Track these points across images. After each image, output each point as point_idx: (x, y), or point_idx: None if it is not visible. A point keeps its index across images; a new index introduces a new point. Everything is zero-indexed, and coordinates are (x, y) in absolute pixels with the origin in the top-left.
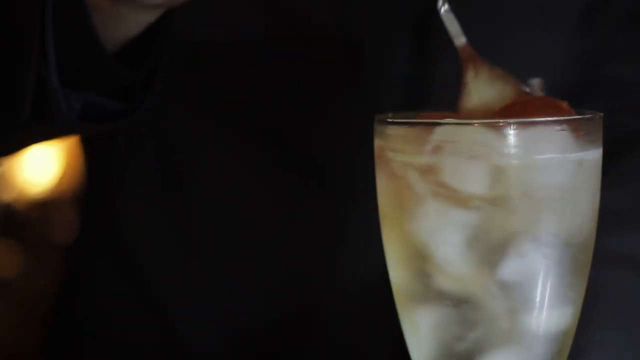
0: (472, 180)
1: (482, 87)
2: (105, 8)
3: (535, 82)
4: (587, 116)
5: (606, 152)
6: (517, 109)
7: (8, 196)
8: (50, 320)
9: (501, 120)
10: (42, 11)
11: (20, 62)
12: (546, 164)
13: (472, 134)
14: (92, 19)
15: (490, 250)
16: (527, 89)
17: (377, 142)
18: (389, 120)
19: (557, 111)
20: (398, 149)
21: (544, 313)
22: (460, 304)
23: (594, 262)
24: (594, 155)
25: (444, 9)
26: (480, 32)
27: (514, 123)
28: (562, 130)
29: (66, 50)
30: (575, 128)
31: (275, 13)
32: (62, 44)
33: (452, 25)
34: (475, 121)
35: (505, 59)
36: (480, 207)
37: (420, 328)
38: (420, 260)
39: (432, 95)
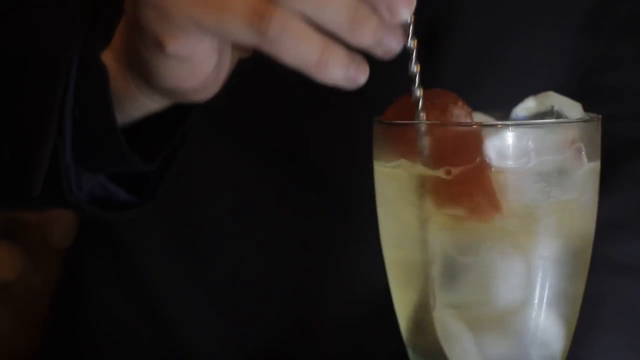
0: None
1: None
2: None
3: None
4: (586, 118)
5: (607, 159)
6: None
7: None
8: (48, 322)
9: (499, 123)
10: (64, 84)
11: (38, 135)
12: (542, 168)
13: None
14: (111, 96)
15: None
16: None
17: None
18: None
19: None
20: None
21: (542, 315)
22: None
23: (595, 269)
24: (593, 157)
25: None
26: (484, 37)
27: (512, 125)
28: (560, 133)
29: (82, 127)
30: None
31: None
32: (79, 121)
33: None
34: (473, 123)
35: (508, 64)
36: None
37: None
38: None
39: None
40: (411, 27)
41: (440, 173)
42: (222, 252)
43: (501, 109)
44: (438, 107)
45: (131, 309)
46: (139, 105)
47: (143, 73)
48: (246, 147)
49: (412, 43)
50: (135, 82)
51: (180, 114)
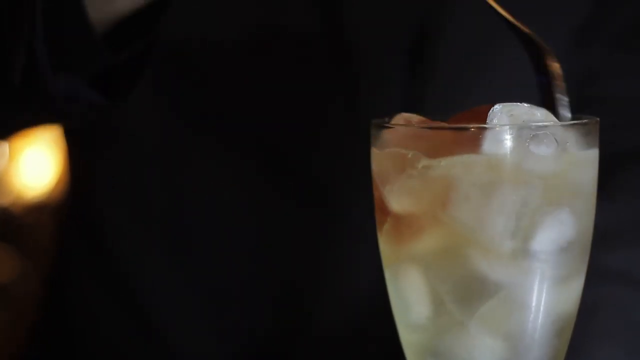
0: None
1: None
2: None
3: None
4: (584, 121)
5: (602, 169)
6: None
7: (4, 200)
8: (39, 324)
9: (497, 125)
10: None
11: (12, 31)
12: (542, 167)
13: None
14: None
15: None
16: None
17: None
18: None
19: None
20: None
21: (540, 316)
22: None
23: (592, 277)
24: (591, 157)
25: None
26: (474, 44)
27: (510, 127)
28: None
29: (54, 25)
30: (573, 132)
31: (271, 27)
32: (51, 19)
33: None
34: (470, 126)
35: (498, 72)
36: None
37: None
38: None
39: (426, 108)
40: None
41: None
42: (213, 254)
43: None
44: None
45: (119, 313)
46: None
47: None
48: (238, 151)
49: None
50: None
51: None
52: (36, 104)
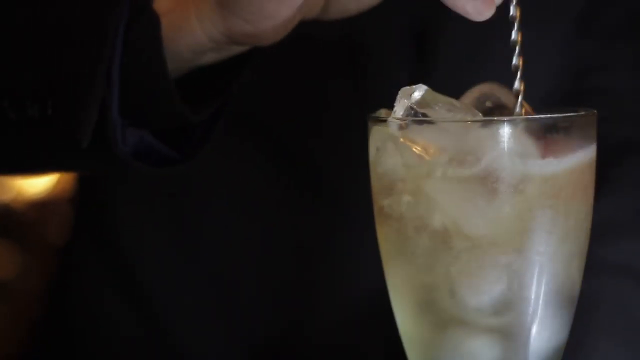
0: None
1: None
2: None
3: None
4: (581, 114)
5: (600, 161)
6: None
7: (6, 197)
8: (42, 321)
9: (495, 118)
10: (114, 34)
11: (86, 83)
12: (541, 162)
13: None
14: (163, 49)
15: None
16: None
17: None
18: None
19: None
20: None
21: (539, 311)
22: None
23: (593, 271)
24: (588, 153)
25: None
26: (475, 38)
27: (507, 121)
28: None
29: (131, 75)
30: (569, 125)
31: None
32: (128, 72)
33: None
34: (468, 120)
35: (499, 65)
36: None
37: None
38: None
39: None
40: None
41: None
42: (218, 251)
43: None
44: None
45: (126, 309)
46: (193, 51)
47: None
48: (243, 148)
49: (514, 11)
50: (208, 22)
51: (225, 71)
52: (97, 161)
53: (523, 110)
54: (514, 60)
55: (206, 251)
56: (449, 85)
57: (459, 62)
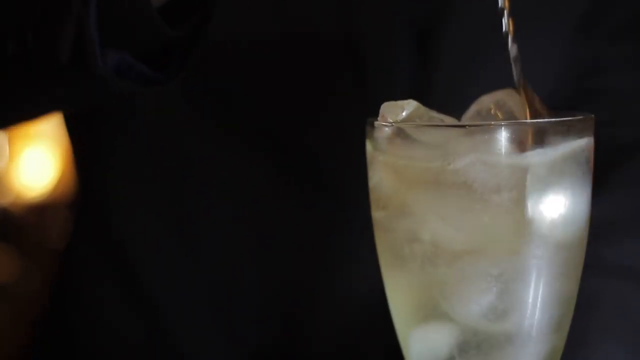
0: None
1: None
2: None
3: None
4: (579, 117)
5: (601, 162)
6: None
7: (5, 200)
8: (43, 323)
9: (492, 122)
10: None
11: (61, 5)
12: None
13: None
14: None
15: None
16: None
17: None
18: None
19: None
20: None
21: (537, 313)
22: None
23: (591, 271)
24: (585, 152)
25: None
26: (476, 39)
27: (504, 124)
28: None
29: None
30: (566, 127)
31: (280, 18)
32: None
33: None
34: (465, 124)
35: (500, 67)
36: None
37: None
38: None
39: (432, 99)
40: None
41: None
42: (219, 250)
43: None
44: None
45: (127, 309)
46: None
47: None
48: (244, 146)
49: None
50: None
51: None
52: (80, 81)
53: (527, 114)
54: (511, 52)
55: (206, 252)
56: (451, 83)
57: (460, 60)
